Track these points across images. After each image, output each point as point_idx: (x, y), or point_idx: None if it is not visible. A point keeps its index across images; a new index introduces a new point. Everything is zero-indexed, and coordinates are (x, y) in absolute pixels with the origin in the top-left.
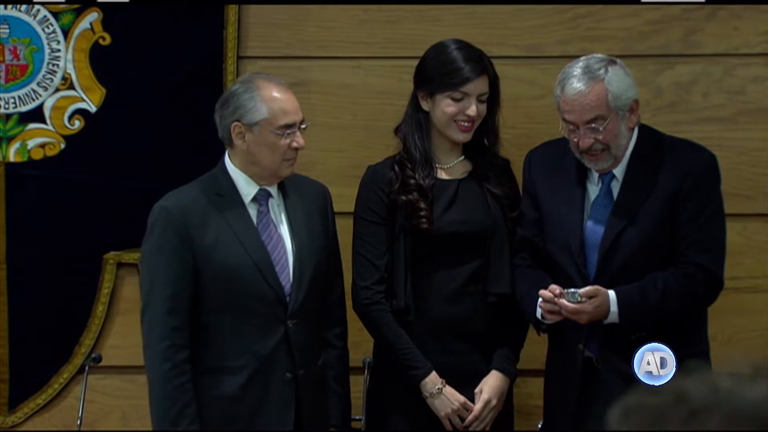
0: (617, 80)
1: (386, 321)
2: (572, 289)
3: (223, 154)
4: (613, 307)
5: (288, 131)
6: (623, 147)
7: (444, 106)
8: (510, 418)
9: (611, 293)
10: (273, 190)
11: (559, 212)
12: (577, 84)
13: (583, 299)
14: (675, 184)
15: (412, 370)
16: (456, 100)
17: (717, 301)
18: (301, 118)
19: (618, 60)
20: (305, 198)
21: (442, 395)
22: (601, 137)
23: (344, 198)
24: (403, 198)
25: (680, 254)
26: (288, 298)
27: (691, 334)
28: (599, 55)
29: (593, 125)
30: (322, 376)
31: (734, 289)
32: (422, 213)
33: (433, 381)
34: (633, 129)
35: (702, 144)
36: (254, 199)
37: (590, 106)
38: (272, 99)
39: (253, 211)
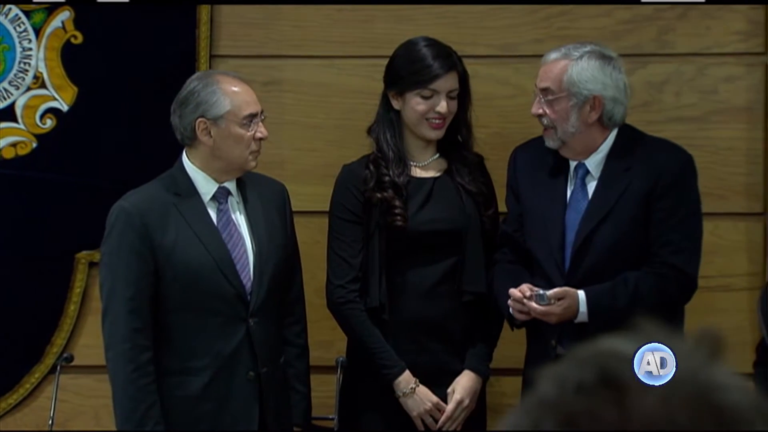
0: (585, 68)
1: (360, 320)
2: (541, 291)
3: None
4: (582, 308)
5: (252, 121)
6: (571, 135)
7: (414, 104)
8: (483, 417)
9: (581, 293)
10: (232, 188)
11: (540, 209)
12: (552, 54)
13: (552, 301)
14: (650, 183)
15: (386, 369)
16: (426, 98)
17: None
18: (261, 108)
19: (614, 56)
20: (264, 196)
21: (415, 395)
22: (548, 111)
23: (318, 197)
24: (378, 195)
25: (653, 254)
26: (249, 297)
27: None
28: (595, 46)
29: (542, 94)
30: (284, 374)
31: (706, 288)
32: (397, 210)
33: (406, 380)
34: (591, 125)
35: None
36: (214, 198)
37: (546, 76)
38: (233, 91)
39: (212, 210)
